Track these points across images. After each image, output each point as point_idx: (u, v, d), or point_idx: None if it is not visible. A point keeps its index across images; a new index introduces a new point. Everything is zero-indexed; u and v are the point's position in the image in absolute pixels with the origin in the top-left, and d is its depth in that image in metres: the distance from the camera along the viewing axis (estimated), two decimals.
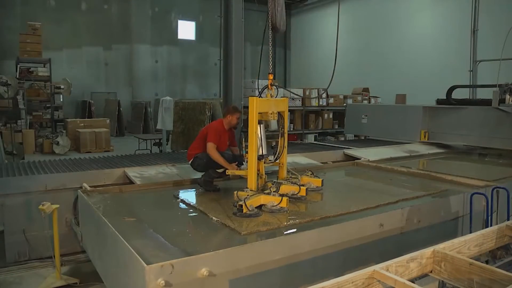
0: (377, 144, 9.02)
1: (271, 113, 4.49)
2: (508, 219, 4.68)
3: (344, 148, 7.97)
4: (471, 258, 2.63)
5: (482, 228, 4.55)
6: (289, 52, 25.08)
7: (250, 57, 24.70)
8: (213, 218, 3.71)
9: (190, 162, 5.01)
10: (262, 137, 4.44)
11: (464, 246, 2.89)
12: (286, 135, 4.72)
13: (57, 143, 12.97)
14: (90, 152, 13.20)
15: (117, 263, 3.18)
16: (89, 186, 4.80)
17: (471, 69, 11.67)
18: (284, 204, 3.95)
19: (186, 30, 22.67)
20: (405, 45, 17.43)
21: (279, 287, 3.12)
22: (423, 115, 9.10)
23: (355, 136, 12.38)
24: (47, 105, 15.20)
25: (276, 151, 4.69)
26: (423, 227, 4.19)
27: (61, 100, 16.17)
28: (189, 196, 4.62)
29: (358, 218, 3.72)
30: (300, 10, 24.59)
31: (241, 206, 3.73)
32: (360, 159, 7.06)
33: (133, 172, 5.48)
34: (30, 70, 14.85)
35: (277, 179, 4.66)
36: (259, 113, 4.31)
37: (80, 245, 4.72)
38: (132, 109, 20.71)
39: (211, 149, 4.70)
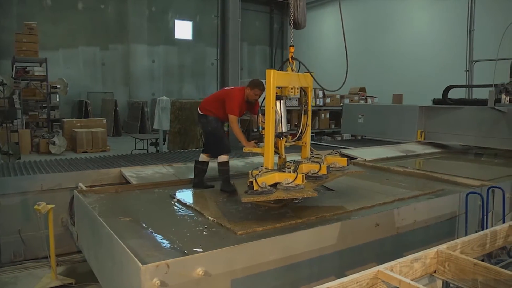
0: (374, 144, 9.04)
1: (292, 88, 4.22)
2: (503, 218, 4.70)
3: (341, 147, 7.98)
4: (474, 259, 2.62)
5: (478, 228, 4.58)
6: (286, 53, 25.06)
7: (247, 57, 24.74)
8: (209, 218, 3.71)
9: (199, 113, 4.92)
10: (282, 114, 4.20)
11: (467, 246, 2.89)
12: (309, 113, 4.50)
13: (54, 143, 12.93)
14: (86, 152, 13.17)
15: (112, 263, 3.17)
16: (85, 186, 4.79)
17: (467, 69, 11.70)
18: (299, 181, 3.75)
19: (183, 30, 22.64)
20: (402, 45, 17.47)
21: (276, 286, 3.12)
22: (419, 115, 9.11)
23: (351, 136, 12.40)
24: (44, 105, 15.15)
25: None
26: (419, 226, 4.20)
27: (58, 100, 16.11)
28: (185, 196, 4.61)
29: (354, 218, 3.73)
30: None
31: (252, 183, 3.60)
32: (356, 158, 7.07)
33: (130, 172, 5.47)
34: (26, 69, 14.79)
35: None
36: (279, 87, 4.15)
37: (76, 245, 4.71)
38: (129, 109, 20.68)
39: (233, 122, 4.59)
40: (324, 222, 3.61)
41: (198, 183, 4.95)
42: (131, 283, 2.72)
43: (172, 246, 3.07)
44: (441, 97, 9.27)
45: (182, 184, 5.14)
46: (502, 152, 7.95)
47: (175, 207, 4.26)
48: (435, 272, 2.68)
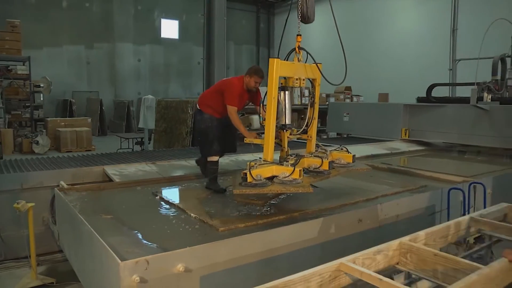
0: (359, 142, 9.09)
1: (297, 79, 4.03)
2: None
3: (326, 146, 7.98)
4: (437, 250, 2.67)
5: None
6: (273, 51, 25.11)
7: (234, 56, 24.70)
8: (192, 215, 3.69)
9: (197, 108, 4.81)
10: (287, 105, 4.04)
11: (430, 238, 2.94)
12: (316, 105, 4.34)
13: (37, 143, 12.74)
14: (70, 151, 13.00)
15: (92, 261, 3.13)
16: (66, 184, 4.72)
17: (451, 68, 11.84)
18: (296, 175, 3.63)
19: (169, 29, 22.52)
20: (388, 44, 17.62)
21: (255, 281, 3.10)
22: (404, 113, 9.19)
23: (337, 134, 12.45)
24: (27, 104, 14.93)
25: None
26: (402, 222, 4.23)
27: (41, 99, 15.87)
28: (168, 193, 4.58)
29: (336, 214, 3.74)
30: (284, 9, 24.65)
31: (245, 174, 3.49)
32: None
33: (113, 170, 5.42)
34: (8, 68, 14.54)
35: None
36: (284, 78, 4.03)
37: (57, 244, 4.64)
38: (115, 108, 20.50)
39: (233, 113, 4.44)
40: (306, 218, 3.61)
41: (211, 182, 4.70)
42: (111, 280, 2.68)
43: (152, 243, 3.04)
44: (425, 96, 9.36)
45: (165, 182, 5.10)
46: (485, 150, 8.05)
47: (157, 204, 4.21)
48: (397, 263, 2.71)
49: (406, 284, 2.38)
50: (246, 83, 4.52)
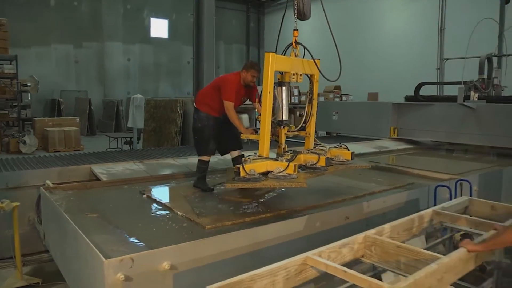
0: (348, 140, 9.09)
1: (294, 75, 3.96)
2: None
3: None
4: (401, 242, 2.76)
5: None
6: (263, 51, 25.12)
7: (224, 56, 24.67)
8: (178, 213, 3.67)
9: (194, 106, 4.75)
10: (284, 101, 4.00)
11: (394, 231, 3.02)
12: (315, 102, 4.29)
13: (24, 142, 12.60)
14: (59, 151, 12.85)
15: (77, 260, 3.10)
16: (52, 184, 4.67)
17: (438, 67, 11.94)
18: (291, 170, 3.60)
19: (159, 28, 22.43)
20: (377, 44, 17.74)
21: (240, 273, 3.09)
22: (393, 112, 9.24)
23: (326, 133, 12.48)
24: (14, 104, 14.74)
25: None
26: (389, 219, 4.24)
27: (29, 98, 15.68)
28: (155, 192, 4.55)
29: (324, 211, 3.74)
30: (274, 9, 24.67)
31: (238, 169, 3.44)
32: None
33: (100, 169, 5.37)
34: None
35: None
36: (281, 73, 3.98)
37: (43, 244, 4.58)
38: (104, 107, 20.36)
39: (230, 108, 4.34)
40: (293, 215, 3.61)
41: (199, 180, 4.67)
42: (95, 278, 2.66)
43: (138, 241, 3.01)
44: (413, 94, 9.42)
45: (153, 180, 5.07)
46: (472, 148, 8.13)
47: (144, 203, 4.19)
48: (363, 256, 2.79)
49: (371, 276, 2.42)
50: (243, 78, 4.46)
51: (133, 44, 21.60)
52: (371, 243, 2.76)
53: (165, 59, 22.58)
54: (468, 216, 3.44)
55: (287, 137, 4.19)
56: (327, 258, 2.49)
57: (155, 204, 4.09)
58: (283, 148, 4.12)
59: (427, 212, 3.41)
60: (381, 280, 2.62)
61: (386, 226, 2.97)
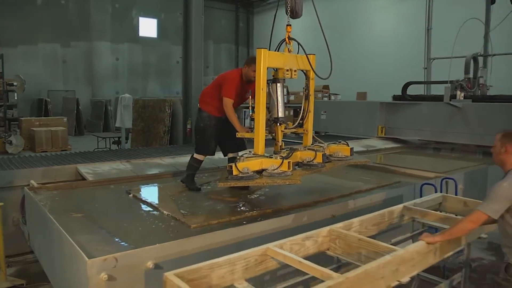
0: (336, 139, 9.12)
1: (288, 71, 3.90)
2: None
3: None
4: (369, 237, 2.86)
5: None
6: (252, 51, 25.11)
7: (213, 55, 24.62)
8: (164, 212, 3.65)
9: (198, 107, 4.68)
10: (279, 98, 3.93)
11: (361, 225, 3.09)
12: (311, 98, 4.22)
13: (10, 143, 12.44)
14: (46, 151, 12.73)
15: (61, 260, 3.07)
16: (37, 184, 4.61)
17: (425, 67, 12.04)
18: (285, 167, 3.54)
19: (148, 27, 22.31)
20: (365, 44, 17.83)
21: None
22: (380, 111, 9.30)
23: (315, 132, 12.50)
24: (0, 103, 14.56)
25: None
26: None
27: (15, 98, 15.53)
28: (142, 191, 4.53)
29: (310, 210, 3.75)
30: (263, 8, 24.67)
31: (231, 167, 3.40)
32: None
33: (86, 169, 5.32)
34: None
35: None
36: (275, 69, 3.91)
37: (28, 244, 4.53)
38: (92, 107, 20.19)
39: (228, 105, 4.26)
40: (279, 214, 3.61)
41: (188, 177, 4.61)
42: (79, 278, 2.63)
43: (123, 241, 2.99)
44: (401, 94, 9.48)
45: (140, 180, 5.04)
46: (459, 146, 8.21)
47: (130, 202, 4.16)
48: (328, 249, 2.87)
49: (335, 269, 2.50)
50: (245, 74, 4.37)
51: (122, 43, 21.45)
52: (335, 237, 2.82)
53: (154, 59, 22.47)
54: (437, 212, 3.52)
55: (285, 135, 4.17)
56: (289, 250, 2.55)
57: (141, 204, 4.06)
58: (280, 146, 4.06)
59: (398, 208, 3.48)
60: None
61: (354, 220, 3.05)
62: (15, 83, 14.10)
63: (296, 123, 4.21)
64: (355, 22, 18.51)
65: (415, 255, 2.63)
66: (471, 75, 8.55)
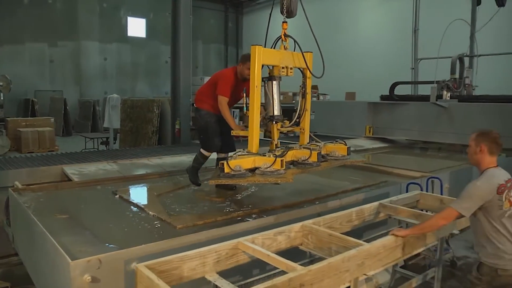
0: (324, 139, 9.14)
1: (283, 68, 3.83)
2: None
3: (291, 143, 8.03)
4: (343, 233, 2.91)
5: None
6: (241, 51, 25.10)
7: (202, 55, 24.55)
8: (150, 213, 3.64)
9: (194, 106, 4.63)
10: (275, 96, 3.87)
11: (335, 221, 3.17)
12: (308, 96, 4.17)
13: None
14: (32, 152, 12.58)
15: (45, 262, 3.04)
16: (21, 185, 4.56)
17: (413, 67, 12.15)
18: (278, 166, 3.47)
19: (136, 27, 22.18)
20: (354, 44, 17.92)
21: None
22: (368, 111, 9.35)
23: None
24: None
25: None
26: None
27: (2, 98, 15.34)
28: (128, 192, 4.50)
29: (295, 210, 3.76)
30: (252, 9, 24.68)
31: (222, 165, 3.35)
32: None
33: (72, 169, 5.28)
34: None
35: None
36: (271, 66, 3.86)
37: (12, 246, 4.48)
38: (80, 108, 20.01)
39: (223, 103, 4.22)
40: (265, 214, 3.61)
41: (193, 171, 4.55)
42: (62, 281, 2.61)
43: (108, 242, 2.96)
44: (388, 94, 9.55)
45: (126, 180, 5.01)
46: (445, 146, 8.29)
47: (117, 203, 4.14)
48: (301, 244, 2.92)
49: (307, 263, 2.55)
50: (240, 72, 4.34)
51: (110, 43, 21.29)
52: (308, 232, 2.88)
53: (142, 59, 22.34)
54: (410, 209, 3.59)
55: (286, 135, 4.12)
56: (261, 244, 2.61)
57: (127, 204, 4.04)
58: (276, 144, 4.00)
59: (373, 205, 3.53)
60: None
61: (327, 217, 3.11)
62: (1, 83, 13.94)
63: (293, 122, 4.16)
64: (343, 22, 18.61)
65: (382, 249, 2.69)
66: (457, 76, 8.64)
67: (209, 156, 4.56)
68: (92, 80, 20.92)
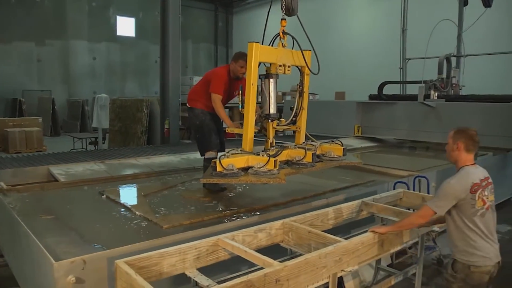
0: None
1: (281, 66, 3.78)
2: None
3: (280, 143, 8.04)
4: (324, 231, 2.93)
5: None
6: (231, 51, 25.07)
7: (192, 55, 24.49)
8: (137, 213, 3.62)
9: (187, 106, 4.58)
10: (271, 94, 3.83)
11: (316, 219, 3.18)
12: (306, 95, 4.15)
13: None
14: (20, 152, 12.44)
15: (29, 263, 3.01)
16: (6, 185, 4.50)
17: (401, 67, 12.24)
18: (271, 165, 3.41)
19: (126, 26, 22.04)
20: (343, 44, 18.02)
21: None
22: (357, 110, 9.40)
23: (293, 132, 12.54)
24: None
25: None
26: None
27: None
28: (115, 192, 4.46)
29: (283, 209, 3.77)
30: (242, 8, 24.68)
31: (215, 163, 3.30)
32: None
33: (58, 170, 5.22)
34: None
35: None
36: (269, 64, 3.81)
37: None
38: (69, 107, 19.83)
39: (216, 101, 4.20)
40: (253, 214, 3.62)
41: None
42: (47, 282, 2.59)
43: (94, 242, 2.94)
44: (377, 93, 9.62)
45: (114, 180, 4.97)
46: (433, 145, 8.35)
47: (103, 203, 4.10)
48: (282, 241, 2.95)
49: (287, 260, 2.56)
50: (232, 70, 4.34)
51: (99, 42, 21.14)
52: (288, 229, 2.90)
53: (132, 58, 22.21)
54: (391, 207, 3.61)
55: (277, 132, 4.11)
56: (241, 241, 2.63)
57: (114, 205, 4.01)
58: (271, 143, 3.95)
59: (356, 203, 3.56)
60: None
61: (308, 214, 3.13)
62: None
63: (289, 120, 4.11)
64: (332, 22, 18.71)
65: (360, 245, 2.71)
66: (444, 75, 8.73)
67: (216, 155, 4.40)
68: (81, 79, 20.75)
